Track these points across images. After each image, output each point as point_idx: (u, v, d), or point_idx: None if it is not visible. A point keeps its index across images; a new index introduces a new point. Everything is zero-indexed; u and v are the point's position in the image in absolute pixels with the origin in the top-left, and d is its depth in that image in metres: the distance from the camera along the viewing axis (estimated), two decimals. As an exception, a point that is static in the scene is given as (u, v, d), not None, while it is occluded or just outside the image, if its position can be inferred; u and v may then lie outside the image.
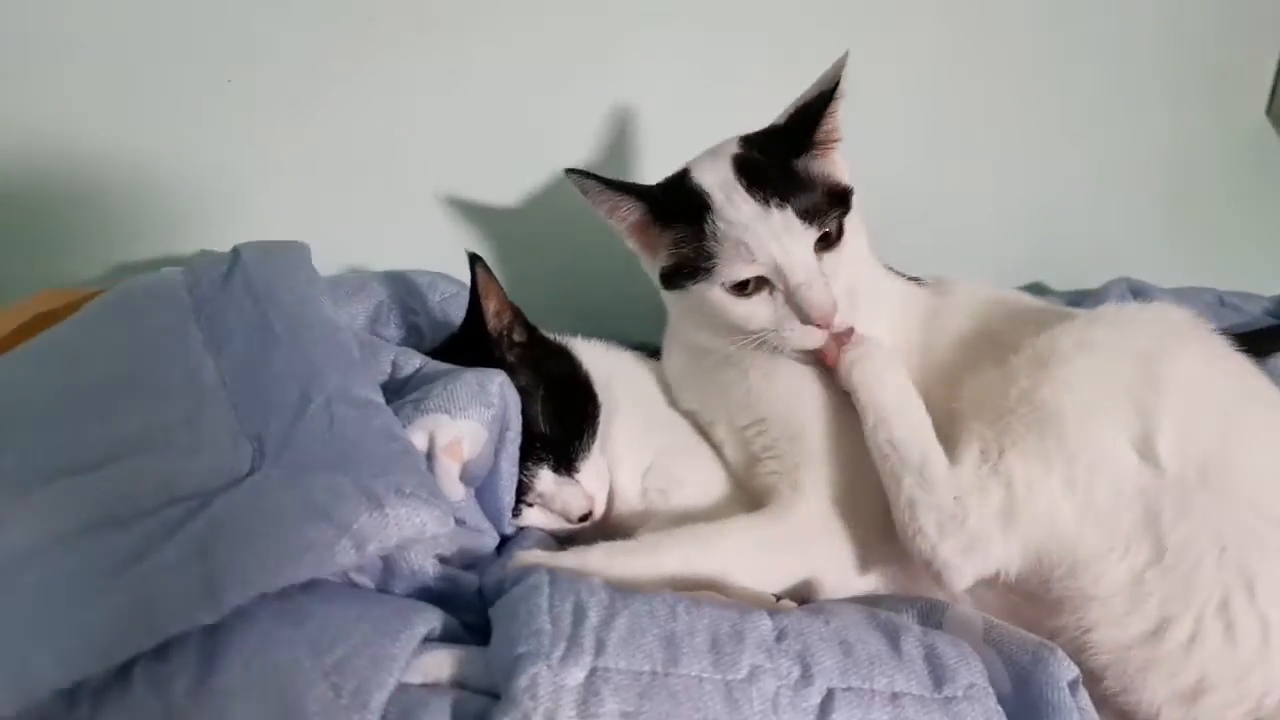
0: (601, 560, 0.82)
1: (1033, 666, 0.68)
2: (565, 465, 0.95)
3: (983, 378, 0.89)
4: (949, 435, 0.87)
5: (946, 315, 0.99)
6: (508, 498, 0.90)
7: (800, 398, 0.95)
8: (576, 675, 0.60)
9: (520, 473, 0.91)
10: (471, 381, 0.84)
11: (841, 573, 0.89)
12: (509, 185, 1.40)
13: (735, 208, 0.89)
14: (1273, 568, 0.75)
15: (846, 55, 0.92)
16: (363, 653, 0.64)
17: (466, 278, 1.16)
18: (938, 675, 0.65)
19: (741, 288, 0.90)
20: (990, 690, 0.66)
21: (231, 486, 0.69)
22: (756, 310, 0.90)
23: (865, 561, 0.90)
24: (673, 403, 1.08)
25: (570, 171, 0.95)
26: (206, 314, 0.82)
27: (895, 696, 0.63)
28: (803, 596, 0.87)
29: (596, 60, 1.36)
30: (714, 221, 0.89)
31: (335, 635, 0.64)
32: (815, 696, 0.62)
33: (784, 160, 0.91)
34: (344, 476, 0.69)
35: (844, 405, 0.93)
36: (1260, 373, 0.88)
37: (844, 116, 0.93)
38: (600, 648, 0.62)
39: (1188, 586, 0.76)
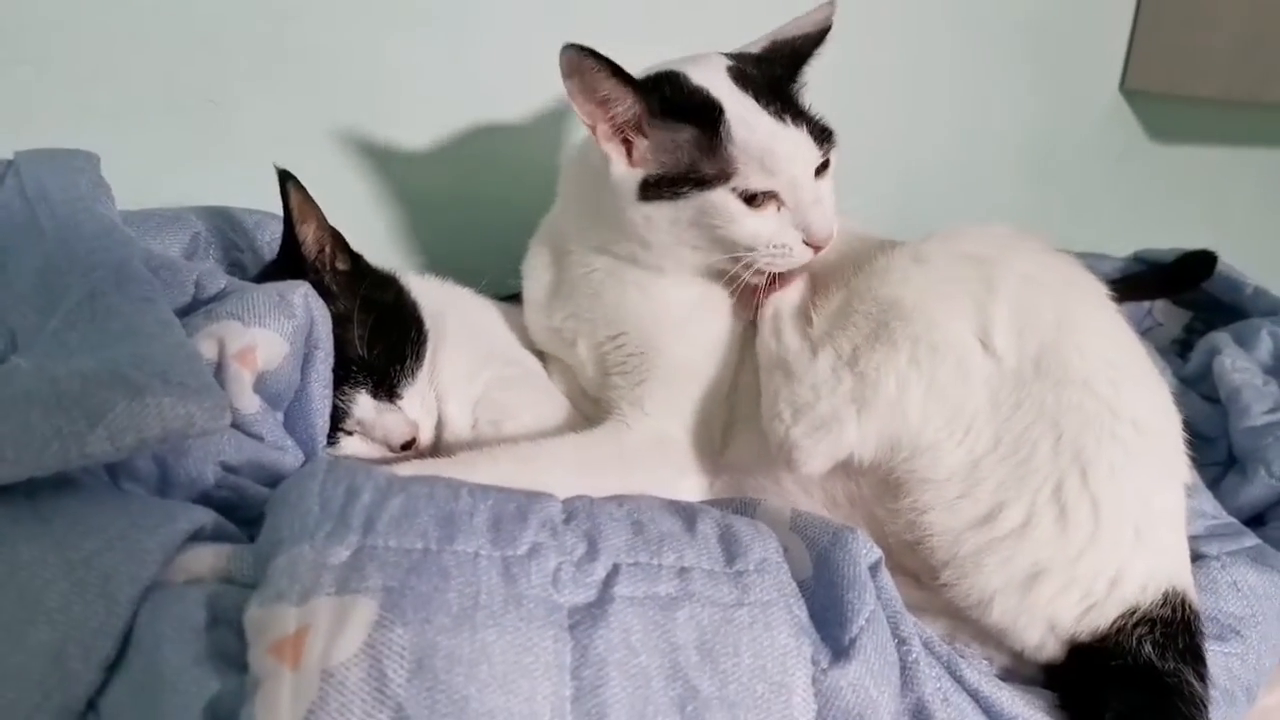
0: (409, 473, 0.78)
1: (831, 546, 0.67)
2: (386, 391, 0.90)
3: (832, 298, 0.89)
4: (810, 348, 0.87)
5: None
6: (320, 421, 0.85)
7: (666, 316, 0.94)
8: (340, 554, 0.56)
9: (336, 398, 0.87)
10: (271, 291, 0.80)
11: (669, 493, 0.87)
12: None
13: (754, 116, 0.86)
14: (1105, 451, 0.76)
15: (834, 3, 0.94)
16: (114, 547, 0.59)
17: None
18: (730, 551, 0.63)
19: (751, 199, 0.86)
20: (784, 565, 0.64)
21: (-25, 376, 0.63)
22: (764, 224, 0.87)
23: (695, 482, 0.89)
24: (523, 335, 1.06)
25: (571, 46, 0.81)
26: (-28, 215, 0.76)
27: (683, 571, 0.61)
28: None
29: None
30: (731, 127, 0.85)
31: (85, 531, 0.60)
32: (600, 571, 0.59)
33: (781, 84, 0.90)
34: (100, 363, 0.63)
35: (708, 334, 0.94)
36: (1085, 270, 0.89)
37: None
38: (369, 526, 0.58)
39: (1022, 472, 0.76)
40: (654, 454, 0.89)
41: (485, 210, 1.37)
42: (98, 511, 0.61)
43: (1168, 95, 1.89)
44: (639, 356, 0.93)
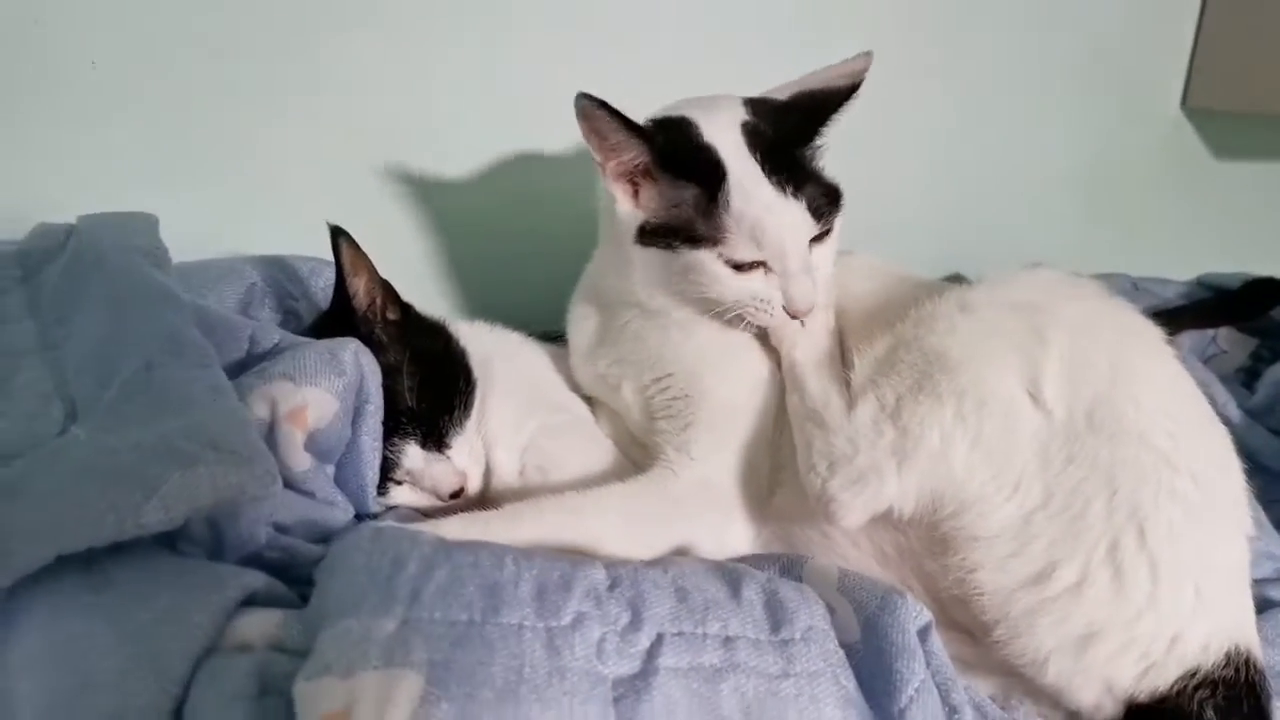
0: (456, 529, 0.79)
1: (880, 611, 0.65)
2: (435, 441, 0.91)
3: (876, 343, 0.88)
4: (848, 399, 0.86)
5: (850, 282, 0.98)
6: (370, 473, 0.86)
7: (709, 359, 0.94)
8: (386, 626, 0.57)
9: (386, 449, 0.88)
10: (321, 349, 0.81)
11: (718, 540, 0.87)
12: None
13: (755, 185, 0.86)
14: (1163, 508, 0.73)
15: (871, 56, 0.92)
16: (167, 620, 0.60)
17: None
18: (775, 618, 0.62)
19: (739, 265, 0.87)
20: (830, 632, 0.63)
21: (35, 448, 0.65)
22: (748, 286, 0.88)
23: (742, 529, 0.89)
24: (570, 379, 1.06)
25: (583, 95, 0.84)
26: (35, 282, 0.78)
27: (728, 640, 0.60)
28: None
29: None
30: (730, 194, 0.86)
31: (137, 603, 0.61)
32: (644, 641, 0.59)
33: (793, 145, 0.89)
34: (154, 435, 0.65)
35: (749, 375, 0.94)
36: (1141, 316, 0.87)
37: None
38: (415, 598, 0.58)
39: (1076, 530, 0.74)
40: (701, 500, 0.88)
41: (529, 243, 1.38)
42: (150, 580, 0.63)
43: (1230, 113, 1.84)
44: (684, 400, 0.93)
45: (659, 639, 0.59)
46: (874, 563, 0.83)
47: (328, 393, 0.80)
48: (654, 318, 0.96)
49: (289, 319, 1.07)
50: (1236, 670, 0.72)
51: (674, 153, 0.87)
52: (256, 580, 0.65)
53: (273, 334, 0.89)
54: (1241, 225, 1.98)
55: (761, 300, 0.89)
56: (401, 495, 0.91)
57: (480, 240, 1.39)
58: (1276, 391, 1.24)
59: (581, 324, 1.05)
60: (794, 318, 0.90)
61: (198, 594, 0.62)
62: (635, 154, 0.87)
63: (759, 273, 0.88)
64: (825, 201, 0.89)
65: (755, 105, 0.93)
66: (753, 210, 0.85)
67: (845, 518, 0.80)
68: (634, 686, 0.57)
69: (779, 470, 0.92)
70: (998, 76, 1.68)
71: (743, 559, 0.79)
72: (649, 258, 0.90)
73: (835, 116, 0.90)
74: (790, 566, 0.75)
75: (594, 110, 0.84)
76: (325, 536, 0.78)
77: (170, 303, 0.77)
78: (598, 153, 0.89)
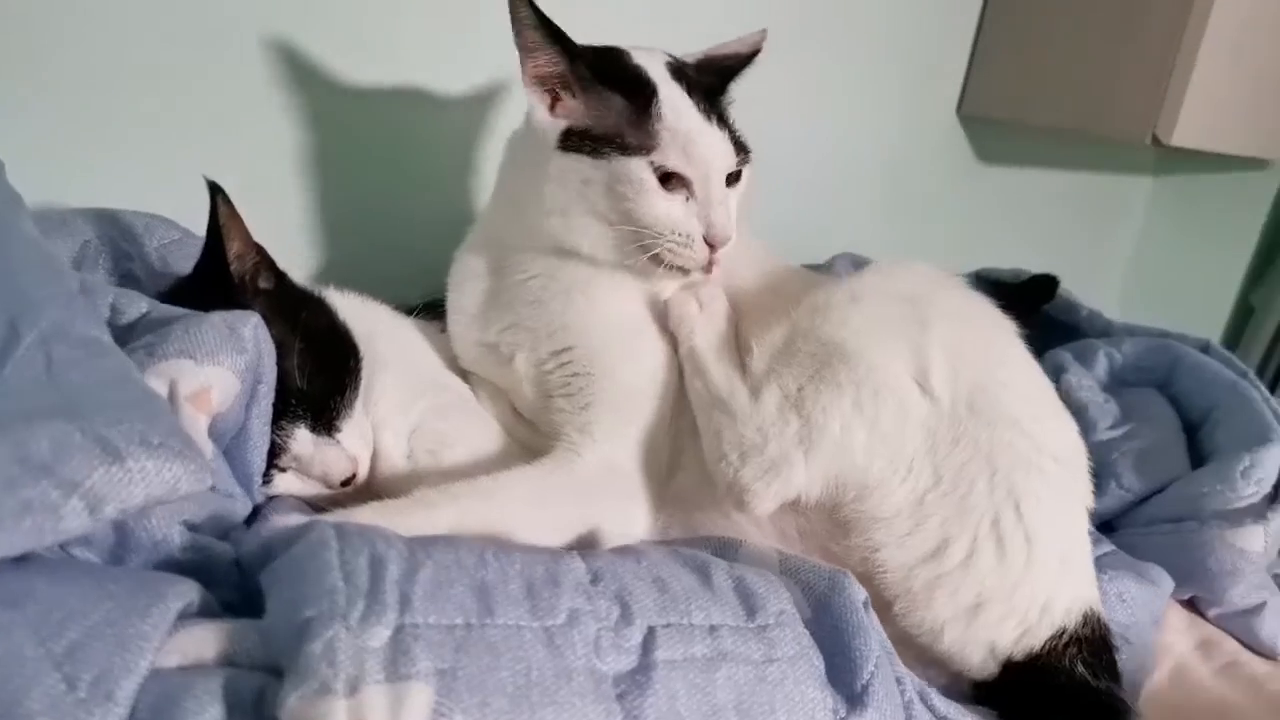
0: (370, 519, 0.75)
1: (830, 592, 0.69)
2: (325, 424, 0.85)
3: (771, 332, 0.91)
4: (750, 387, 0.89)
5: (736, 268, 1.00)
6: (258, 460, 0.79)
7: (613, 335, 0.93)
8: (381, 634, 0.53)
9: (273, 434, 0.81)
10: (220, 324, 0.73)
11: (624, 523, 0.87)
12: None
13: (685, 106, 0.89)
14: (1035, 486, 0.82)
15: (765, 33, 1.00)
16: (103, 635, 0.53)
17: (188, 222, 1.04)
18: (749, 605, 0.64)
19: (666, 179, 0.88)
20: (797, 615, 0.66)
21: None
22: (672, 208, 0.89)
23: (645, 512, 0.89)
24: (447, 355, 1.02)
25: None
26: None
27: (713, 629, 0.61)
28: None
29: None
30: (662, 107, 0.88)
31: (67, 616, 0.53)
32: (636, 635, 0.59)
33: (710, 93, 0.93)
34: (70, 424, 0.56)
35: (652, 356, 0.94)
36: (998, 312, 0.96)
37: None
38: (405, 602, 0.55)
39: (963, 508, 0.81)
40: (606, 483, 0.88)
41: (378, 212, 1.31)
42: (73, 589, 0.55)
43: (999, 120, 2.04)
44: (585, 377, 0.92)
45: (651, 632, 0.59)
46: (778, 545, 0.87)
47: (230, 372, 0.72)
48: (556, 276, 0.94)
49: (125, 282, 0.95)
50: (1093, 629, 0.82)
51: (603, 66, 0.90)
52: (191, 590, 0.58)
53: (137, 302, 0.79)
54: (1004, 225, 2.23)
55: (682, 232, 0.89)
56: (286, 483, 0.84)
57: (341, 201, 1.30)
58: (1053, 378, 1.40)
59: (469, 283, 1.00)
60: (713, 249, 0.91)
61: (136, 604, 0.54)
62: (554, 58, 0.88)
63: (681, 197, 0.89)
64: (739, 145, 0.93)
65: (674, 58, 0.96)
66: (684, 125, 0.88)
67: (758, 506, 0.84)
68: (635, 682, 0.57)
69: (677, 454, 0.94)
70: (808, 71, 1.77)
71: (669, 544, 0.80)
72: (569, 169, 0.90)
73: (739, 75, 0.97)
74: (723, 550, 0.77)
75: (519, 8, 0.86)
76: (225, 533, 0.71)
77: (52, 264, 0.66)
78: (522, 53, 0.89)
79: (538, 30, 0.86)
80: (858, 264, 1.65)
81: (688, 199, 0.89)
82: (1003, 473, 0.82)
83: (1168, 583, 1.06)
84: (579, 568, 0.62)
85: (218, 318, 0.73)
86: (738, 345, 0.96)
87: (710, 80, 0.94)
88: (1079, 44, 1.84)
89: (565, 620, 0.58)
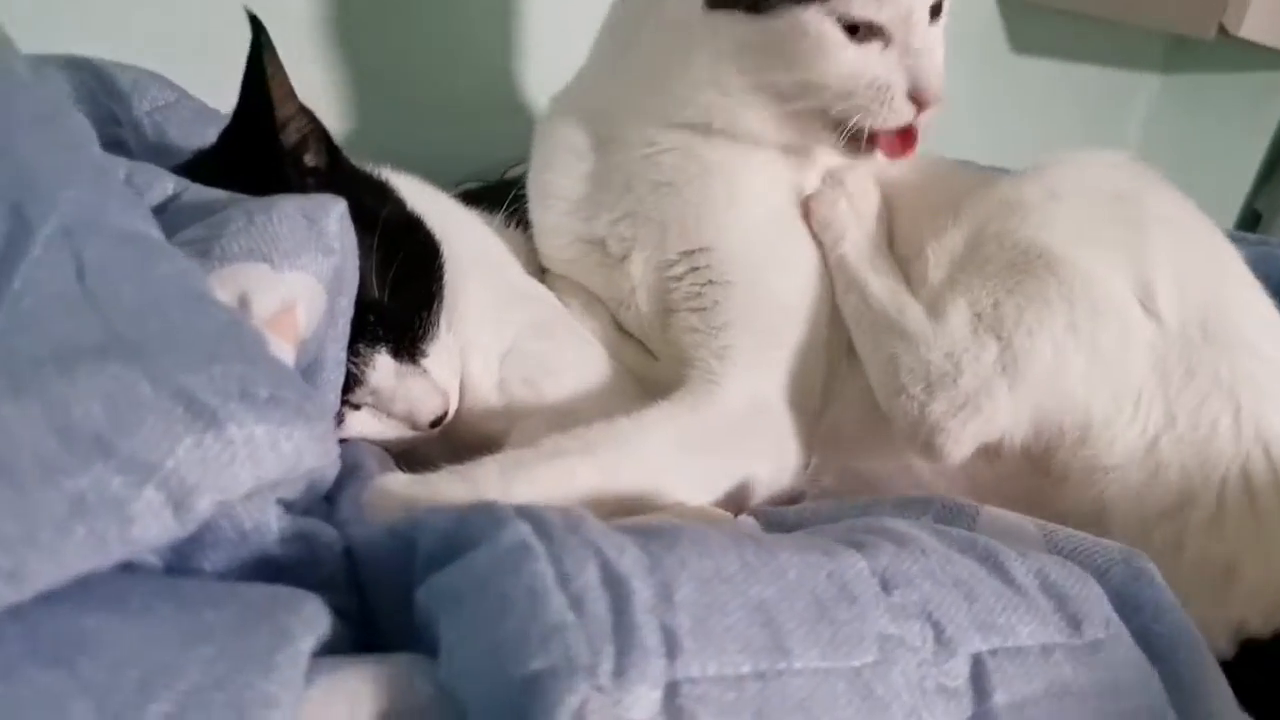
0: (496, 482, 0.57)
1: (1133, 580, 0.52)
2: (408, 349, 0.65)
3: (947, 234, 0.74)
4: (926, 301, 0.72)
5: (893, 169, 0.80)
6: (333, 397, 0.59)
7: (761, 234, 0.74)
8: (646, 696, 0.35)
9: (349, 361, 0.60)
10: (295, 214, 0.51)
11: (777, 471, 0.70)
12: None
13: None
14: None
15: None
16: (209, 702, 0.33)
17: (186, 82, 0.81)
18: (1068, 613, 0.47)
19: (854, 29, 0.67)
20: (1122, 624, 0.49)
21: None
22: (867, 62, 0.68)
23: (798, 456, 0.72)
24: (531, 258, 0.82)
25: None
26: None
27: (1045, 650, 0.44)
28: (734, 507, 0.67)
29: None
30: None
31: (149, 676, 0.33)
32: (962, 669, 0.42)
33: None
34: (131, 369, 0.35)
35: (806, 263, 0.75)
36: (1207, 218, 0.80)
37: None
38: (673, 643, 0.36)
39: (1205, 452, 0.66)
40: (757, 422, 0.71)
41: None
42: (152, 631, 0.35)
43: (1045, 7, 1.87)
44: (722, 287, 0.73)
45: (978, 663, 0.42)
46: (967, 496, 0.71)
47: (318, 282, 0.51)
48: (694, 153, 0.74)
49: (112, 151, 0.71)
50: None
51: None
52: (320, 614, 0.39)
53: (160, 179, 0.56)
54: (1020, 117, 2.08)
55: (880, 84, 0.69)
56: (360, 423, 0.64)
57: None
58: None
59: (566, 161, 0.79)
60: (922, 108, 0.71)
61: (251, 651, 0.35)
62: None
63: (876, 46, 0.69)
64: None
65: None
66: None
67: (953, 449, 0.67)
68: (974, 738, 0.40)
69: (831, 381, 0.76)
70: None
71: (868, 504, 0.62)
72: (722, 31, 0.70)
73: None
74: (951, 517, 0.60)
75: None
76: (309, 507, 0.51)
77: (60, 122, 0.43)
78: None
79: None
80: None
81: (885, 47, 0.69)
82: (1248, 409, 0.67)
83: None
84: (864, 569, 0.44)
85: (291, 205, 0.52)
86: (894, 251, 0.79)
87: None
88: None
89: (878, 656, 0.40)
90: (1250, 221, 2.56)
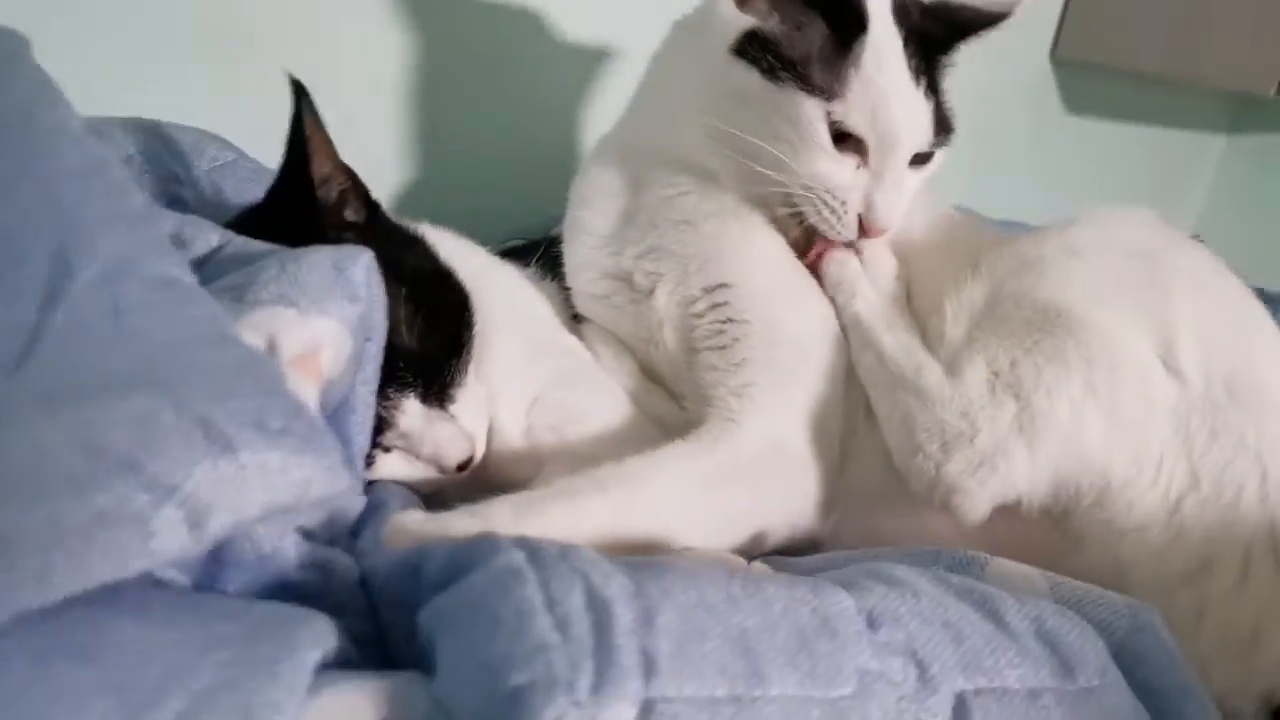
0: (508, 519, 0.59)
1: (1136, 632, 0.52)
2: (437, 394, 0.68)
3: (965, 291, 0.75)
4: (944, 360, 0.73)
5: (911, 226, 0.83)
6: (363, 440, 0.62)
7: (777, 275, 0.77)
8: (623, 713, 0.36)
9: (379, 405, 0.63)
10: (324, 263, 0.55)
11: (797, 516, 0.71)
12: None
13: (893, 59, 0.72)
14: None
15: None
16: (218, 704, 0.36)
17: (242, 142, 0.87)
18: (1063, 658, 0.47)
19: (841, 137, 0.72)
20: (1120, 675, 0.49)
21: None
22: (838, 170, 0.73)
23: (818, 504, 0.73)
24: (565, 310, 0.85)
25: None
26: None
27: (1033, 695, 0.45)
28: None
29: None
30: (865, 53, 0.71)
31: (166, 676, 0.36)
32: (945, 707, 0.42)
33: (930, 47, 0.75)
34: (156, 398, 0.39)
35: (820, 311, 0.78)
36: (1235, 276, 0.79)
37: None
38: (650, 664, 0.38)
39: (1230, 516, 0.65)
40: (776, 466, 0.71)
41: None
42: (169, 636, 0.38)
43: (1095, 66, 1.88)
44: (741, 325, 0.75)
45: (961, 701, 0.43)
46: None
47: (342, 325, 0.54)
48: (710, 194, 0.78)
49: (173, 207, 0.77)
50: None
51: None
52: (327, 630, 0.41)
53: (206, 231, 0.61)
54: (1083, 177, 2.07)
55: (838, 197, 0.73)
56: (389, 466, 0.67)
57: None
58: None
59: (601, 199, 0.83)
60: (861, 234, 0.75)
61: (259, 658, 0.37)
62: None
63: (852, 162, 0.73)
64: (943, 121, 0.76)
65: None
66: (883, 82, 0.72)
67: (970, 509, 0.68)
68: (953, 774, 0.40)
69: (849, 436, 0.77)
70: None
71: (876, 555, 0.63)
72: (735, 75, 0.74)
73: (976, 37, 0.77)
74: (964, 567, 0.60)
75: None
76: (333, 538, 0.54)
77: (105, 173, 0.47)
78: None
79: None
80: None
81: (859, 166, 0.73)
82: (1275, 473, 0.66)
83: None
84: (849, 606, 0.45)
85: (321, 255, 0.55)
86: (911, 309, 0.80)
87: (936, 32, 0.76)
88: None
89: (856, 689, 0.41)
90: (1317, 279, 2.51)
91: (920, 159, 0.76)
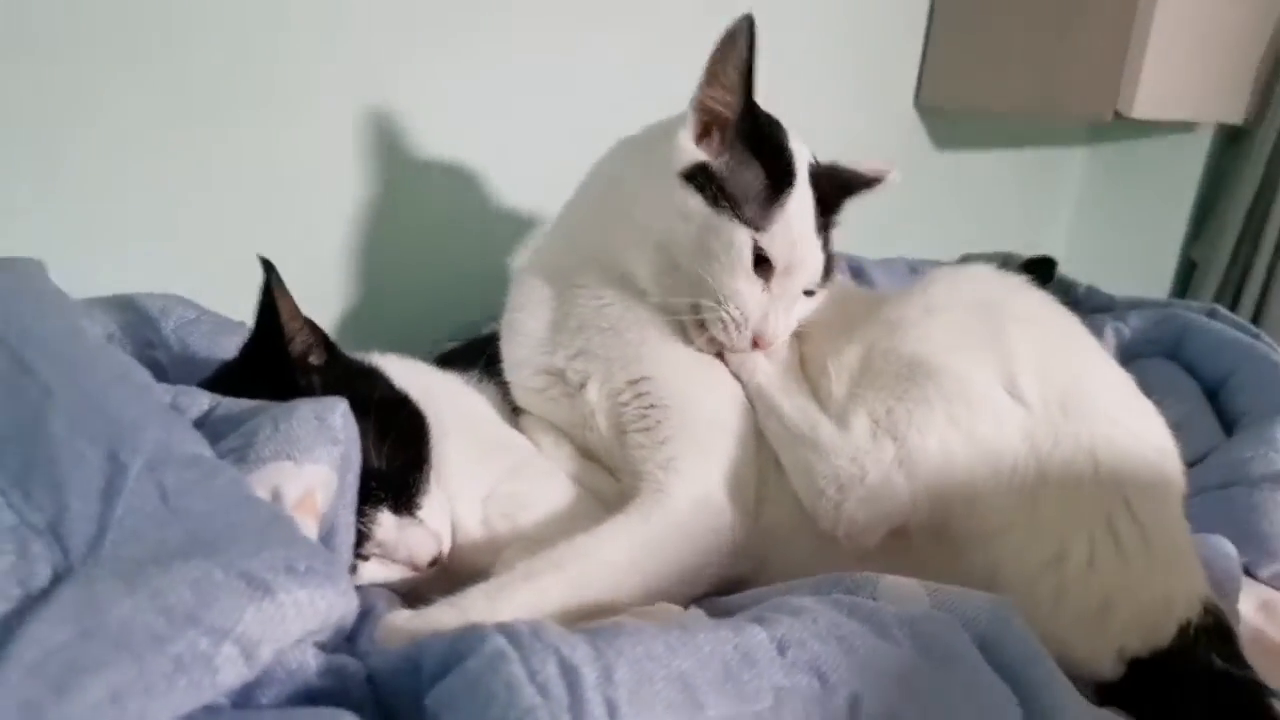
0: (483, 606, 0.70)
1: (994, 623, 0.66)
2: (405, 504, 0.79)
3: (844, 354, 0.89)
4: (834, 415, 0.87)
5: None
6: (347, 553, 0.72)
7: (689, 365, 0.91)
8: (596, 751, 0.48)
9: (357, 521, 0.74)
10: (308, 416, 0.67)
11: (728, 561, 0.84)
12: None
13: (808, 211, 0.90)
14: (1141, 478, 0.80)
15: (894, 168, 1.00)
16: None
17: (201, 299, 0.97)
18: (936, 656, 0.61)
19: (759, 263, 0.88)
20: (981, 655, 0.63)
21: (32, 607, 0.47)
22: (749, 288, 0.88)
23: (743, 546, 0.85)
24: (502, 405, 0.97)
25: (750, 20, 0.84)
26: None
27: (914, 691, 0.58)
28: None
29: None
30: (790, 202, 0.88)
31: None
32: (841, 705, 0.55)
33: (826, 206, 0.93)
34: (207, 562, 0.50)
35: (729, 390, 0.91)
36: (1065, 309, 0.95)
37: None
38: (613, 711, 0.50)
39: (1075, 508, 0.79)
40: (703, 520, 0.83)
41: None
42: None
43: (957, 109, 2.05)
44: (663, 409, 0.88)
45: (856, 702, 0.56)
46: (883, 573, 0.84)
47: (329, 468, 0.66)
48: (631, 306, 0.91)
49: (149, 368, 0.86)
50: (1215, 618, 0.81)
51: (761, 133, 0.89)
52: (356, 725, 0.52)
53: (198, 398, 0.72)
54: (954, 206, 2.25)
55: (742, 314, 0.88)
56: (371, 572, 0.78)
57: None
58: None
59: (535, 305, 0.96)
60: (753, 345, 0.90)
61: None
62: (732, 103, 0.88)
63: (760, 284, 0.88)
64: (829, 267, 0.95)
65: (814, 158, 0.96)
66: (798, 227, 0.88)
67: (866, 537, 0.81)
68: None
69: (762, 485, 0.90)
70: (770, 72, 1.75)
71: (786, 587, 0.76)
72: (680, 197, 0.88)
73: (854, 197, 0.97)
74: (859, 587, 0.73)
75: (741, 39, 0.84)
76: (338, 645, 0.65)
77: (131, 375, 0.58)
78: (706, 76, 0.88)
79: (738, 71, 0.86)
80: (852, 264, 1.64)
81: (764, 289, 0.89)
82: (1107, 467, 0.81)
83: (1234, 550, 1.07)
84: (762, 637, 0.57)
85: (305, 409, 0.67)
86: (804, 371, 0.94)
87: (830, 193, 0.94)
88: (1032, 27, 1.87)
89: (773, 702, 0.53)
90: (1188, 269, 2.73)
91: (808, 293, 0.92)
